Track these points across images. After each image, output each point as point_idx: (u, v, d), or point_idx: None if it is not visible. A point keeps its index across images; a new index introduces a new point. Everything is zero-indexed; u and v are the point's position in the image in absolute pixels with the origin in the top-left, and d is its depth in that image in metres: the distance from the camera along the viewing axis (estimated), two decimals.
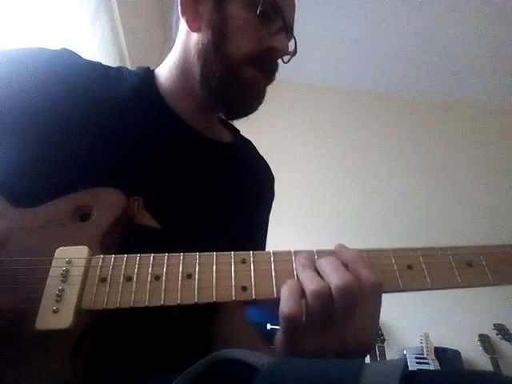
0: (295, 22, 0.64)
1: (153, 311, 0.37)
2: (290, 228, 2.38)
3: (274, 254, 0.41)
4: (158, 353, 0.47)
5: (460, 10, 2.41)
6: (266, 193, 0.74)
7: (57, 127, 0.52)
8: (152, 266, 0.39)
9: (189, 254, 0.40)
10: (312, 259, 0.40)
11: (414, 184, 2.74)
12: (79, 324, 0.36)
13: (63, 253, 0.40)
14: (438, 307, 2.19)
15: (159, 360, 0.46)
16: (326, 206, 2.62)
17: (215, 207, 0.59)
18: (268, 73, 0.62)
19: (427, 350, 1.99)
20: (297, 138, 2.89)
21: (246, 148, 0.76)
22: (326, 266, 0.38)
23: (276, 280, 0.39)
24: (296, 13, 0.65)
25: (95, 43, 1.73)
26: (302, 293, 0.37)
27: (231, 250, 0.41)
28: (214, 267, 0.39)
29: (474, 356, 2.10)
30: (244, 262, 0.40)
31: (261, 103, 0.64)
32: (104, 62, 0.66)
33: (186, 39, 0.62)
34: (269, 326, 1.81)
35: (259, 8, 0.56)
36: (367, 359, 0.38)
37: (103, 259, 0.40)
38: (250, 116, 0.65)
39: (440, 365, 1.92)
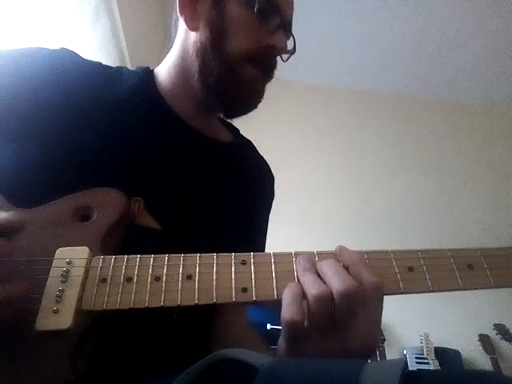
0: (295, 21, 0.64)
1: (153, 312, 0.37)
2: (290, 228, 2.38)
3: (275, 255, 0.41)
4: (158, 353, 0.47)
5: (460, 10, 2.41)
6: (265, 193, 0.74)
7: (56, 127, 0.52)
8: (152, 266, 0.39)
9: (189, 254, 0.40)
10: (313, 261, 0.40)
11: (414, 184, 2.74)
12: (79, 324, 0.36)
13: (63, 253, 0.40)
14: (438, 307, 2.19)
15: (159, 360, 0.46)
16: (326, 205, 2.62)
17: (215, 207, 0.58)
18: (266, 71, 0.62)
19: (427, 350, 1.99)
20: (297, 138, 2.88)
21: (246, 148, 0.76)
22: (327, 269, 0.38)
23: (276, 281, 0.39)
24: (295, 12, 0.64)
25: (95, 43, 1.73)
26: (303, 296, 0.36)
27: (231, 251, 0.41)
28: (215, 268, 0.39)
29: (474, 356, 2.10)
30: (244, 264, 0.40)
31: (260, 101, 0.63)
32: (104, 62, 0.65)
33: (184, 38, 0.62)
34: (269, 326, 1.81)
35: (257, 6, 0.56)
36: None
37: (103, 260, 0.40)
38: (250, 116, 0.64)
39: (440, 365, 1.92)
